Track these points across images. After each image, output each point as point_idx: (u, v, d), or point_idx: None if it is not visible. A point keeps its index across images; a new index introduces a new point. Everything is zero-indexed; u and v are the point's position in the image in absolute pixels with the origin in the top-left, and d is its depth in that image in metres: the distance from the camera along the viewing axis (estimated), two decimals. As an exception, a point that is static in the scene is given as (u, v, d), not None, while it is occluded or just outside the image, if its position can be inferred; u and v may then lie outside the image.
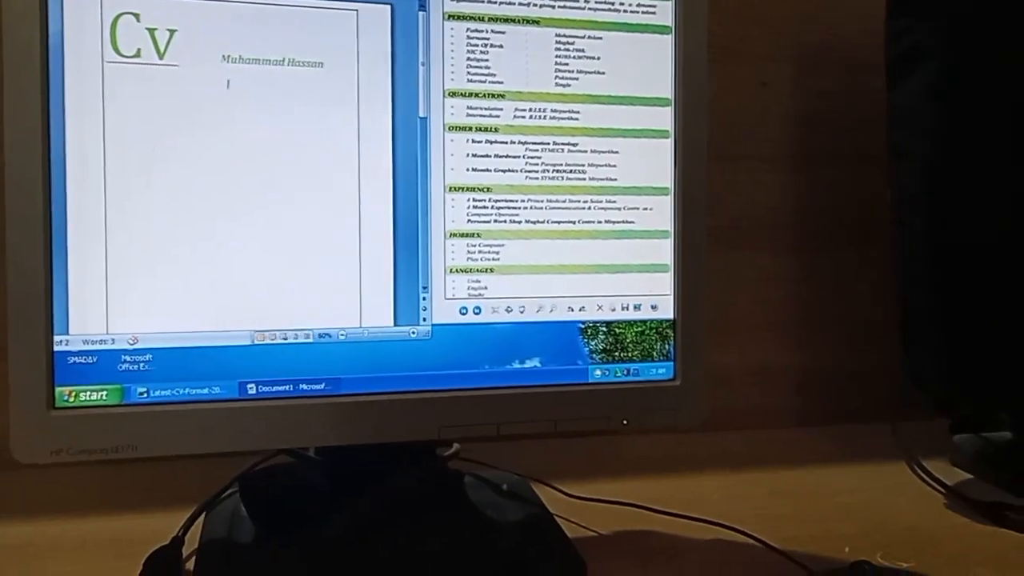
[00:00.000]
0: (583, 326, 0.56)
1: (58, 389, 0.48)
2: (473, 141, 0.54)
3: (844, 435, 0.84)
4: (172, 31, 0.48)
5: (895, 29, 0.70)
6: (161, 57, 0.48)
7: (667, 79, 0.56)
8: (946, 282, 0.67)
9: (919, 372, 0.70)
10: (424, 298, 0.53)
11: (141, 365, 0.49)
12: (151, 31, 0.48)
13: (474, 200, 0.54)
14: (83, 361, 0.48)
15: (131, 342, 0.49)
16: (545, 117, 0.55)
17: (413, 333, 0.53)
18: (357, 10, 0.51)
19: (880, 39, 0.71)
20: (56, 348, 0.48)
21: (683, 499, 0.63)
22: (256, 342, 0.51)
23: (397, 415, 0.52)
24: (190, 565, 0.52)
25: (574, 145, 0.55)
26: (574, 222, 0.55)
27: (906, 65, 0.69)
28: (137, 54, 0.48)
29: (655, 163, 0.57)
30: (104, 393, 0.49)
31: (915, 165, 0.69)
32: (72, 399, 0.48)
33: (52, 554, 0.55)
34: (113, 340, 0.49)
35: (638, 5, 0.56)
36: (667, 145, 0.57)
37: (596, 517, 0.60)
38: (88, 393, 0.48)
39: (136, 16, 0.48)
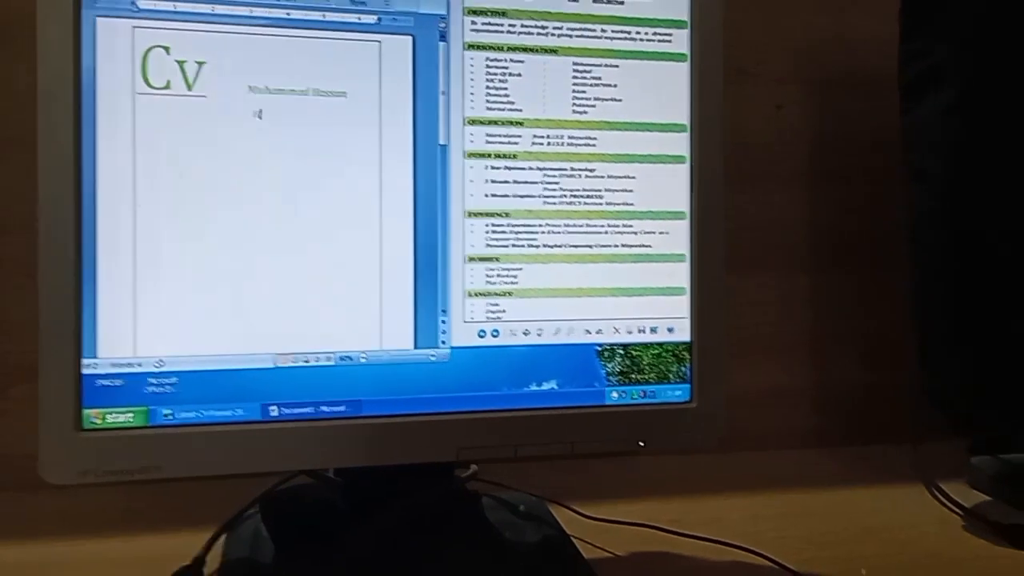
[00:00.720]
0: (600, 348, 0.56)
1: (86, 411, 0.49)
2: (492, 167, 0.54)
3: (860, 456, 0.84)
4: (201, 63, 0.50)
5: (910, 51, 0.70)
6: (190, 88, 0.50)
7: (683, 106, 0.57)
8: (962, 301, 0.67)
9: (936, 391, 0.70)
10: (443, 321, 0.54)
11: (167, 388, 0.50)
12: (180, 63, 0.49)
13: (492, 225, 0.55)
14: (110, 384, 0.49)
15: (157, 365, 0.50)
16: (563, 143, 0.55)
17: (432, 356, 0.54)
18: (380, 41, 0.52)
19: (895, 60, 0.71)
20: (84, 371, 0.49)
21: (700, 520, 0.63)
22: (279, 365, 0.51)
23: (416, 437, 0.53)
24: (212, 585, 0.53)
25: (591, 171, 0.56)
26: (591, 246, 0.56)
27: (921, 86, 0.69)
28: (167, 86, 0.49)
29: (672, 188, 0.57)
30: (131, 415, 0.49)
31: (931, 185, 0.69)
32: (100, 421, 0.49)
33: (77, 573, 0.56)
34: (140, 363, 0.50)
35: (654, 33, 0.57)
36: (683, 170, 0.57)
37: (613, 538, 0.61)
38: (115, 415, 0.49)
39: (166, 49, 0.49)
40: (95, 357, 0.49)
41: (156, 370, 0.50)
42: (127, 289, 0.49)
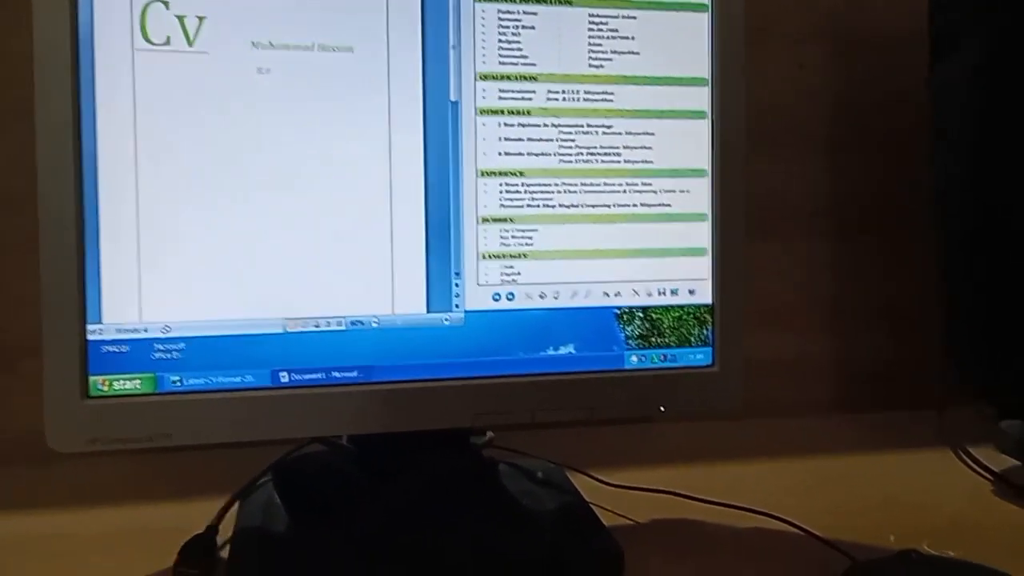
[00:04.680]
0: (619, 311, 0.55)
1: (92, 378, 0.48)
2: (505, 124, 0.53)
3: (885, 422, 0.83)
4: (201, 18, 0.48)
5: (937, 7, 0.68)
6: (191, 44, 0.48)
7: (703, 58, 0.55)
8: (989, 267, 0.66)
9: (961, 358, 0.69)
10: (457, 284, 0.52)
11: (174, 354, 0.49)
12: (180, 18, 0.48)
13: (506, 184, 0.53)
14: (116, 350, 0.48)
15: (164, 331, 0.49)
16: (578, 99, 0.53)
17: (446, 320, 0.53)
18: (387, -8, 0.50)
19: (922, 18, 0.69)
20: (89, 337, 0.47)
21: (721, 487, 0.62)
22: (288, 330, 0.50)
23: (430, 403, 0.52)
24: (225, 553, 0.52)
25: (608, 127, 0.54)
26: (609, 206, 0.54)
27: (949, 44, 0.67)
28: (167, 42, 0.48)
29: (692, 145, 0.55)
30: (138, 382, 0.48)
31: (958, 147, 0.67)
32: (106, 388, 0.48)
33: (90, 544, 0.55)
34: (146, 329, 0.48)
35: (672, -18, 0.54)
36: (704, 126, 0.55)
37: (633, 505, 0.60)
38: (122, 382, 0.48)
39: (165, 3, 0.47)
40: (100, 323, 0.48)
41: (163, 336, 0.49)
42: (131, 253, 0.48)
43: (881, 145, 0.87)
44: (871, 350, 0.88)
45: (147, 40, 0.47)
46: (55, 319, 0.47)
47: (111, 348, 0.48)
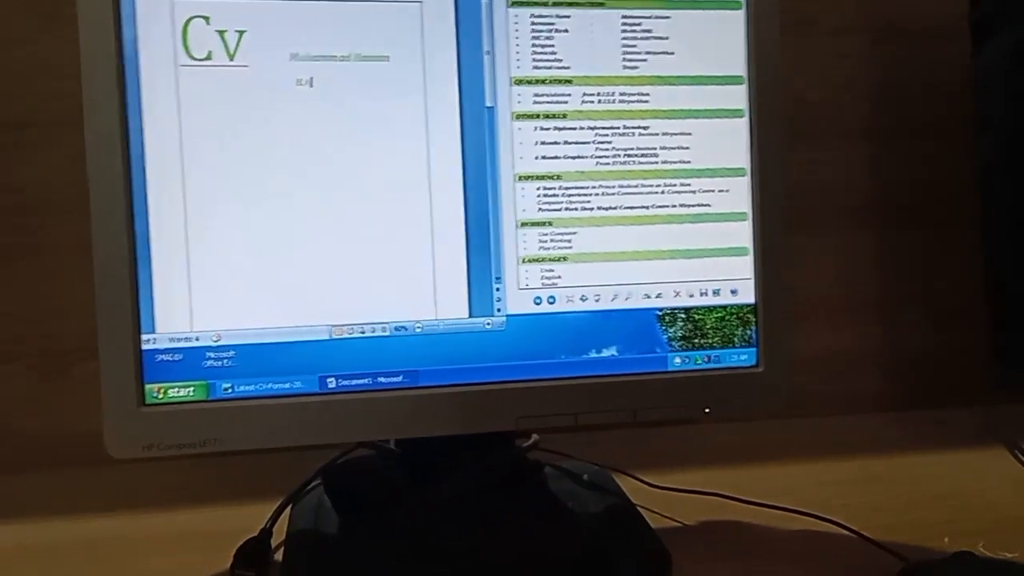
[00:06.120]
0: (661, 313, 0.55)
1: (147, 386, 0.49)
2: (541, 129, 0.53)
3: (934, 420, 0.81)
4: (241, 32, 0.49)
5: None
6: (232, 58, 0.49)
7: (739, 56, 0.55)
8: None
9: (1008, 349, 0.67)
10: (498, 289, 0.53)
11: (225, 361, 0.50)
12: (221, 33, 0.49)
13: (544, 188, 0.53)
14: (170, 359, 0.49)
15: (214, 339, 0.50)
16: (614, 101, 0.54)
17: (488, 324, 0.53)
18: (421, 2, 0.51)
19: (963, 3, 0.67)
20: (144, 347, 0.49)
21: (769, 488, 0.61)
22: (334, 336, 0.51)
23: (475, 406, 0.52)
24: (278, 555, 0.53)
25: (645, 128, 0.54)
26: (647, 207, 0.54)
27: (991, 28, 0.66)
28: (208, 56, 0.49)
29: (730, 143, 0.55)
30: (191, 389, 0.50)
31: (1003, 134, 0.66)
32: (161, 396, 0.49)
33: (147, 547, 0.57)
34: (197, 338, 0.50)
35: (707, -19, 0.54)
36: (742, 124, 0.55)
37: (680, 507, 0.59)
38: (176, 389, 0.50)
39: (206, 19, 0.49)
40: (153, 332, 0.49)
41: (214, 344, 0.50)
42: (181, 263, 0.49)
43: (924, 135, 0.85)
44: (917, 345, 0.86)
45: (189, 55, 0.49)
46: (110, 329, 0.48)
47: (165, 357, 0.49)
